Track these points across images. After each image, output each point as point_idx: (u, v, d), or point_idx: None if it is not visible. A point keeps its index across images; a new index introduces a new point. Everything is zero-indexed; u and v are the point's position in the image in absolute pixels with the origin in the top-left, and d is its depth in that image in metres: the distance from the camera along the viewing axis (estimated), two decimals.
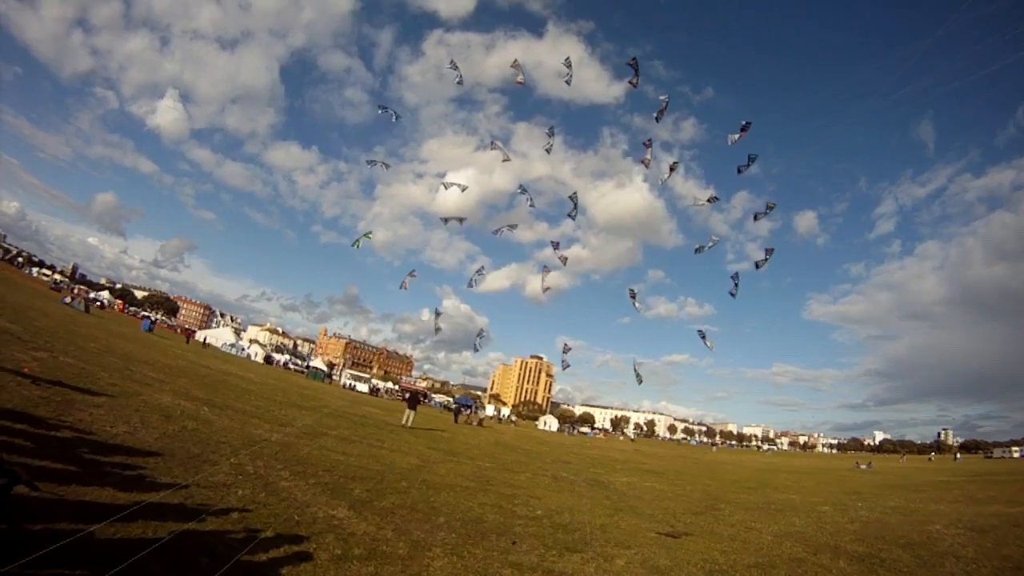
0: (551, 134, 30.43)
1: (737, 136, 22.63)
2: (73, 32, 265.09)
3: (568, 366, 28.34)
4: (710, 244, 27.10)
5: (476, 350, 30.59)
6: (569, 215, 28.42)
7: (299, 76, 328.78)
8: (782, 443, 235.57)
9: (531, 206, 33.04)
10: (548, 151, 31.19)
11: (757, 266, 24.67)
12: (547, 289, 28.24)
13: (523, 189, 31.12)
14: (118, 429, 11.05)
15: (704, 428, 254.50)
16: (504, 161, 30.79)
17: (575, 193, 28.22)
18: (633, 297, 28.10)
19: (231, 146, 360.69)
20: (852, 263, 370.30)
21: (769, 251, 23.94)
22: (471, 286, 28.90)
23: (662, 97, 24.82)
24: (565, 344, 30.17)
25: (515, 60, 29.73)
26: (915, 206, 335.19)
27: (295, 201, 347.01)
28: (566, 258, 28.56)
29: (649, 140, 27.28)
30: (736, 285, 23.48)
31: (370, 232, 28.19)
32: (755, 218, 25.39)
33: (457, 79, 28.45)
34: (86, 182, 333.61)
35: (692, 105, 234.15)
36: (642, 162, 26.80)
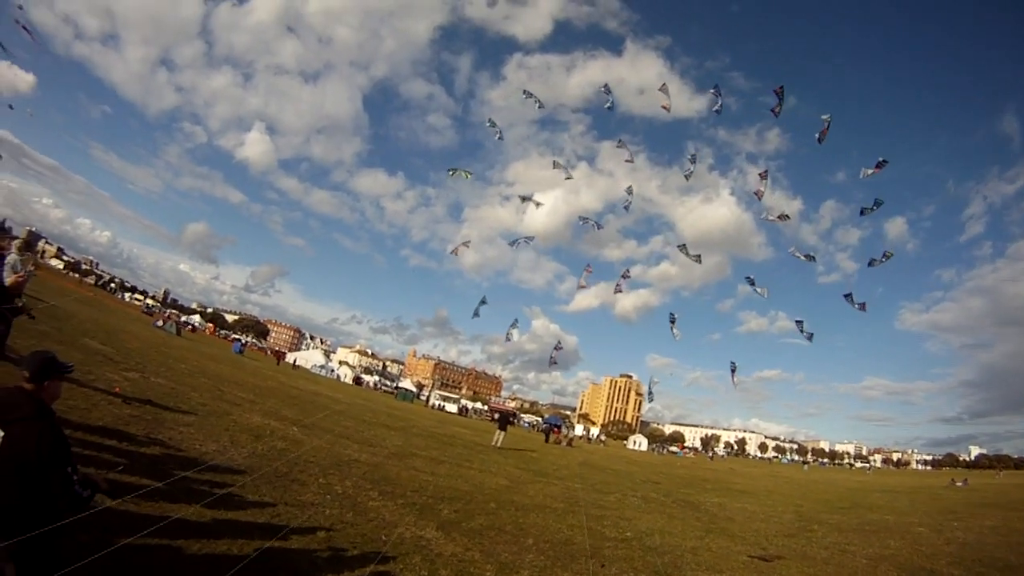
0: (622, 145, 31.18)
1: (871, 171, 22.83)
2: (157, 71, 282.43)
3: (652, 399, 28.35)
4: (800, 257, 27.04)
5: (553, 363, 30.71)
6: (624, 207, 29.50)
7: (382, 105, 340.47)
8: (875, 460, 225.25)
9: (597, 228, 33.20)
10: (630, 161, 31.92)
11: (863, 212, 24.84)
12: (677, 338, 28.47)
13: (591, 222, 31.83)
14: (207, 447, 11.40)
15: (795, 446, 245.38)
16: (567, 179, 31.50)
17: (630, 187, 28.77)
18: (672, 323, 28.04)
19: (318, 174, 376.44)
20: (943, 269, 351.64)
21: (881, 162, 23.28)
22: (508, 340, 29.43)
23: (824, 117, 24.65)
24: (652, 380, 30.07)
25: (605, 85, 30.45)
26: (1005, 204, 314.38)
27: (383, 226, 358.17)
28: (620, 288, 29.02)
29: (765, 171, 27.28)
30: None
31: (470, 172, 28.92)
32: (862, 212, 24.90)
33: (537, 105, 29.18)
34: (176, 212, 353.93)
35: (774, 116, 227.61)
36: (756, 194, 26.89)
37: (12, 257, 12.65)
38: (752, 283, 27.19)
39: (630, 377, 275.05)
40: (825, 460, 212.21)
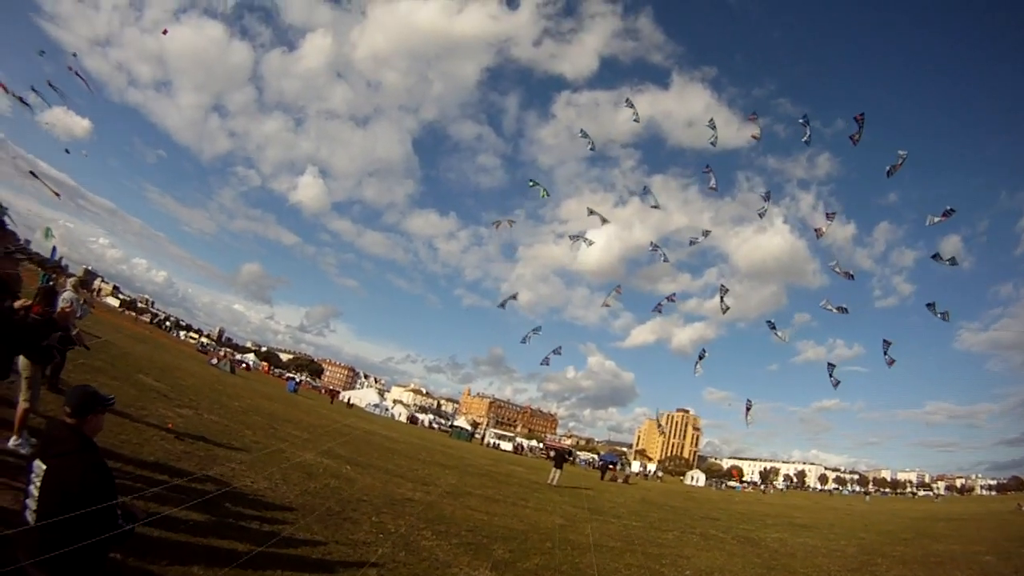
0: (647, 191, 32.18)
1: (938, 219, 23.79)
2: (210, 117, 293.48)
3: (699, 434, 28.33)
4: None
5: (546, 363, 30.74)
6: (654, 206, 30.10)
7: (432, 147, 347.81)
8: (938, 487, 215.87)
9: (664, 260, 33.50)
10: (656, 207, 32.75)
11: (888, 174, 25.28)
12: (699, 373, 28.74)
13: (655, 245, 32.21)
14: (259, 484, 11.42)
15: (856, 476, 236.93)
16: (603, 223, 31.91)
17: (707, 231, 28.85)
18: (773, 328, 27.91)
19: (370, 216, 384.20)
20: (1000, 284, 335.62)
21: (948, 211, 23.83)
22: (545, 364, 29.72)
23: (901, 152, 24.84)
24: (748, 402, 29.75)
25: (581, 129, 31.26)
26: None
27: (436, 266, 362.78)
28: (660, 306, 29.37)
29: (832, 212, 27.89)
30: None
31: (546, 191, 29.47)
32: (928, 223, 24.94)
33: (589, 146, 29.79)
34: (230, 253, 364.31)
35: (825, 139, 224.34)
36: (816, 232, 27.28)
37: (68, 293, 13.03)
38: (773, 327, 27.43)
39: (687, 412, 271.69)
40: (887, 490, 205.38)
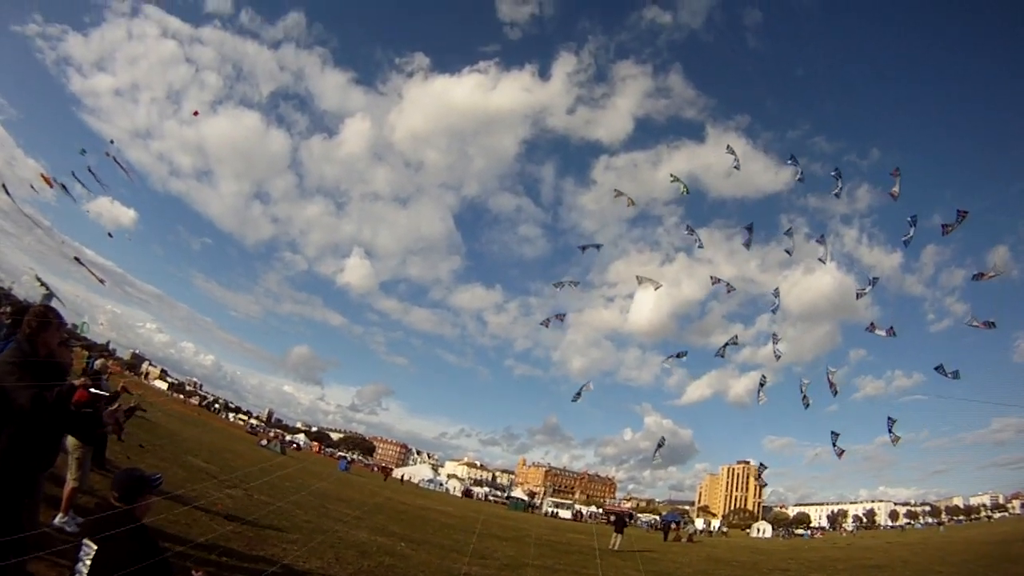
0: (690, 231, 33.00)
1: (952, 226, 24.61)
2: (252, 204, 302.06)
3: (764, 484, 28.68)
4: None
5: (656, 460, 30.79)
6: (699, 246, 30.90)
7: (472, 221, 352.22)
8: (1014, 506, 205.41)
9: (729, 290, 33.66)
10: (700, 246, 33.57)
11: (944, 232, 25.33)
12: (763, 400, 29.45)
13: (716, 279, 32.63)
14: (311, 564, 11.39)
15: (928, 508, 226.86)
16: (656, 288, 32.55)
17: (777, 289, 29.37)
18: (762, 385, 28.65)
19: (416, 294, 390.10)
20: None
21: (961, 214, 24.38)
22: (575, 400, 29.92)
23: (961, 211, 25.00)
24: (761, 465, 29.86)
25: (671, 175, 32.44)
26: None
27: (485, 339, 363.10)
28: (724, 350, 29.61)
29: (874, 278, 28.70)
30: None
31: (686, 188, 30.37)
32: (943, 231, 25.45)
33: (628, 203, 30.49)
34: (277, 336, 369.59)
35: (863, 171, 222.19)
36: (858, 295, 27.94)
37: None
38: (833, 387, 27.70)
39: (747, 463, 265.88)
40: (961, 517, 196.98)
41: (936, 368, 25.39)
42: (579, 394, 28.52)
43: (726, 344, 30.51)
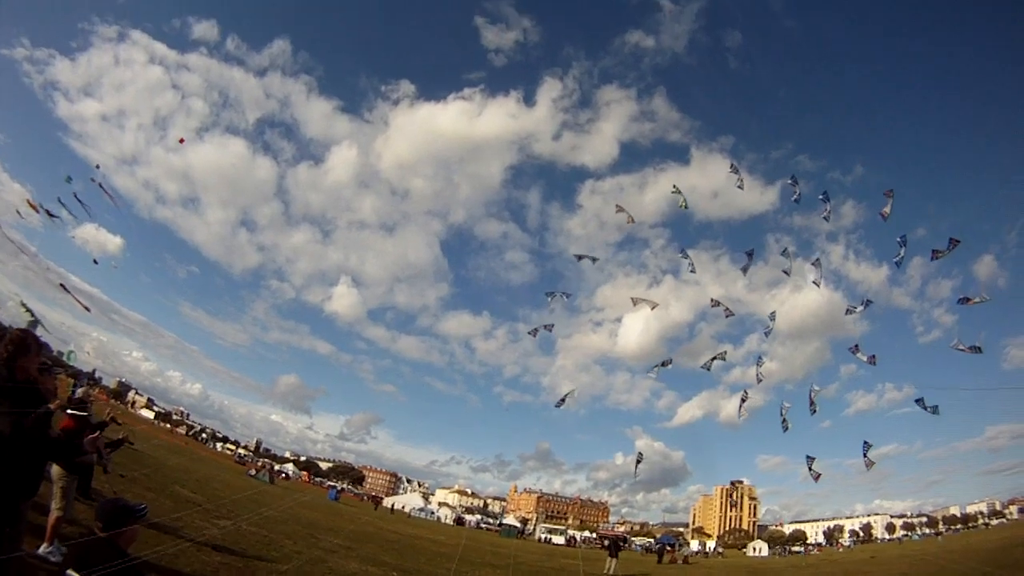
0: (684, 255, 34.27)
1: (943, 252, 25.83)
2: (239, 232, 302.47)
3: (820, 475, 29.18)
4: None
5: (636, 477, 31.74)
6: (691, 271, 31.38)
7: (459, 248, 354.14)
8: (1011, 512, 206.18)
9: (728, 315, 34.08)
10: (692, 269, 34.79)
11: (934, 256, 27.08)
12: (744, 416, 30.31)
13: (716, 302, 32.76)
14: None
15: (925, 519, 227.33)
16: (653, 308, 33.26)
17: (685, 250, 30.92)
18: (743, 401, 29.78)
19: (404, 321, 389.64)
20: None
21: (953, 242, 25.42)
22: (559, 406, 30.73)
23: (953, 239, 26.03)
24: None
25: (674, 186, 33.28)
26: None
27: (474, 366, 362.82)
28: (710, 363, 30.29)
29: (868, 300, 30.06)
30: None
31: (573, 390, 30.73)
32: (933, 256, 27.18)
33: (628, 220, 31.21)
34: (264, 365, 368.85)
35: (847, 188, 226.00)
36: (848, 311, 29.52)
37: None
38: (813, 405, 28.78)
39: (741, 483, 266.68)
40: (958, 526, 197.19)
41: (917, 401, 26.20)
42: (563, 400, 29.05)
43: (713, 358, 31.09)
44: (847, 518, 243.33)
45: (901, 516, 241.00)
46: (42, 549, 8.65)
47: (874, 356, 29.72)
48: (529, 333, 30.57)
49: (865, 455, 28.81)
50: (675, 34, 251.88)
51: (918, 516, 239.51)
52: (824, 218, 31.82)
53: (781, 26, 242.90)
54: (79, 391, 16.61)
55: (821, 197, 31.84)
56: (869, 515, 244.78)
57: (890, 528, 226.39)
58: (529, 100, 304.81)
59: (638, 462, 33.40)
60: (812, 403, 29.60)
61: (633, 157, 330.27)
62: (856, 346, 30.15)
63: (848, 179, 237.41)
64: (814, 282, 31.56)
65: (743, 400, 30.27)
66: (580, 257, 34.75)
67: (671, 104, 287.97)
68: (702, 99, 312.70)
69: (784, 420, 29.71)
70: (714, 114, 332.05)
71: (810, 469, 27.57)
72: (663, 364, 32.25)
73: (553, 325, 32.40)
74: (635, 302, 31.82)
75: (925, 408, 26.63)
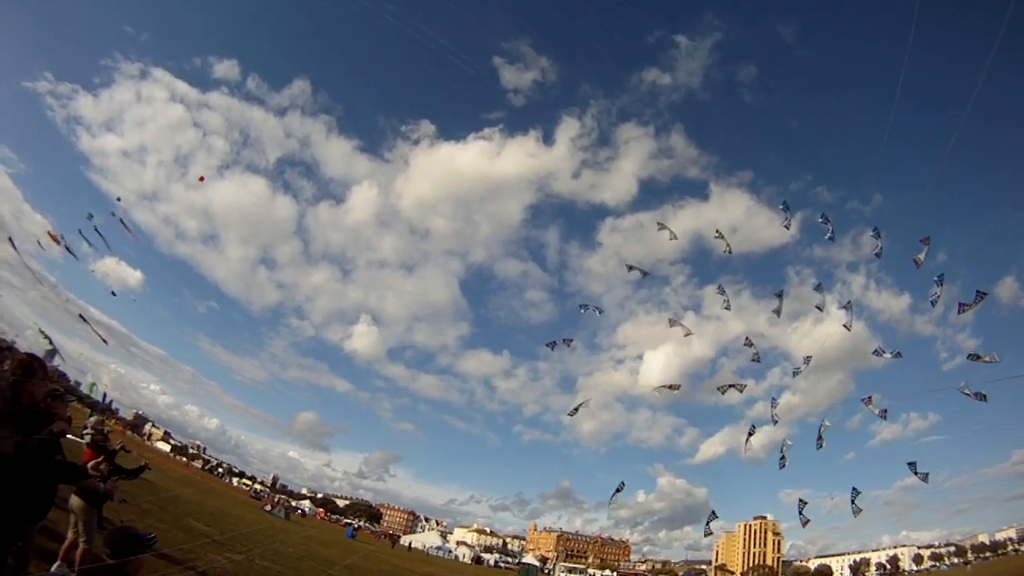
0: (721, 291, 34.77)
1: (969, 307, 26.83)
2: (258, 269, 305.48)
3: (808, 521, 29.42)
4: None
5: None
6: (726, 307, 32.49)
7: (478, 288, 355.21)
8: None
9: (756, 360, 34.33)
10: (727, 308, 35.22)
11: (961, 310, 27.87)
12: (748, 450, 31.17)
13: (749, 342, 33.59)
14: None
15: (952, 548, 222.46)
16: (686, 335, 33.95)
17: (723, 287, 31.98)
18: (750, 435, 30.20)
19: (423, 360, 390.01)
20: None
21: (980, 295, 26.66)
22: (573, 414, 31.65)
23: (980, 292, 27.11)
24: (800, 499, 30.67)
25: (716, 230, 34.29)
26: None
27: (493, 404, 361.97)
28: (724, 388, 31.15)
29: (898, 352, 30.83)
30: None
31: (588, 400, 31.05)
32: (960, 310, 27.80)
33: (642, 274, 32.29)
34: (282, 401, 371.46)
35: (865, 217, 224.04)
36: (876, 352, 30.47)
37: (87, 438, 13.44)
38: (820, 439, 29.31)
39: (764, 518, 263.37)
40: (988, 554, 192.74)
41: (909, 464, 28.39)
42: (576, 410, 29.76)
43: (731, 385, 31.40)
44: (873, 551, 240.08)
45: (929, 546, 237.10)
46: (54, 568, 8.92)
47: (886, 410, 30.21)
48: (547, 345, 31.63)
49: (853, 502, 28.85)
50: (690, 70, 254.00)
51: (946, 546, 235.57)
52: (829, 239, 32.31)
53: (794, 57, 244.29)
54: (91, 420, 16.69)
55: (821, 219, 32.46)
56: (896, 547, 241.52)
57: (917, 559, 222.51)
58: (548, 139, 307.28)
59: (618, 490, 33.78)
60: (820, 438, 29.82)
61: (652, 194, 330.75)
62: (869, 397, 30.39)
63: (867, 208, 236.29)
64: (844, 326, 31.77)
65: (749, 434, 30.64)
66: (584, 308, 36.26)
67: (689, 140, 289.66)
68: (719, 134, 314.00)
69: (783, 458, 29.97)
70: (731, 149, 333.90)
71: (853, 503, 27.55)
72: (670, 387, 32.83)
73: (572, 340, 33.16)
74: (671, 323, 32.34)
75: (915, 472, 28.59)
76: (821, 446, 29.54)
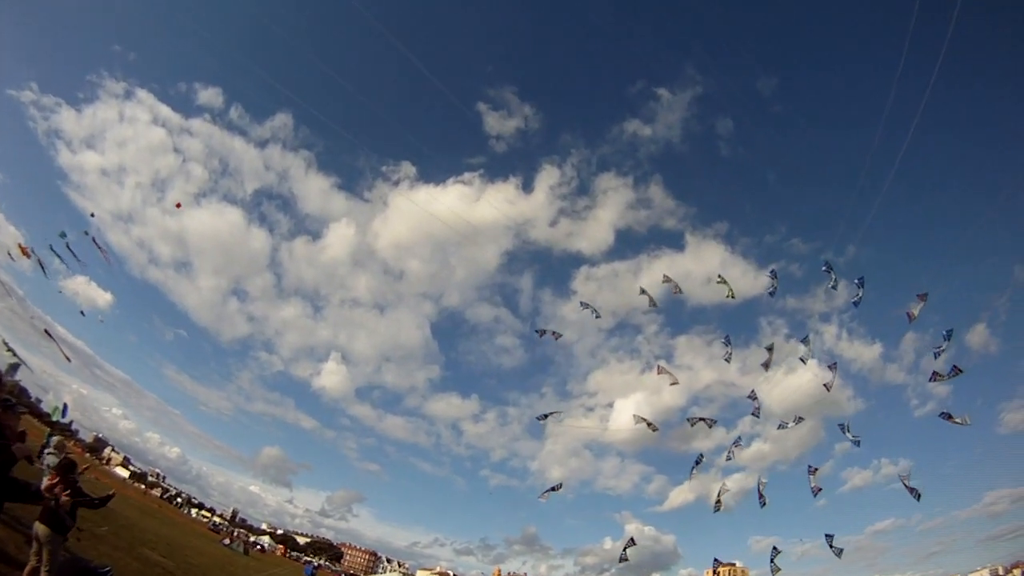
0: (727, 343, 36.14)
1: (945, 377, 27.97)
2: (229, 300, 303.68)
3: (779, 570, 30.04)
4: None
5: (623, 559, 32.35)
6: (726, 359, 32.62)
7: (450, 331, 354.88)
8: None
9: (755, 415, 34.74)
10: (728, 360, 36.47)
11: (934, 378, 28.98)
12: (719, 504, 31.99)
13: (754, 395, 33.84)
14: None
15: None
16: (672, 384, 34.97)
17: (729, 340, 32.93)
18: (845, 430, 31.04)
19: (391, 401, 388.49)
20: None
21: (956, 369, 28.15)
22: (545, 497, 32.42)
23: (956, 367, 28.74)
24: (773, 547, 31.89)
25: (719, 276, 35.46)
26: None
27: (460, 448, 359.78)
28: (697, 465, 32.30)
29: (857, 439, 32.62)
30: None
31: (559, 485, 31.69)
32: (936, 354, 29.52)
33: (595, 315, 33.29)
34: (247, 435, 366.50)
35: (840, 269, 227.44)
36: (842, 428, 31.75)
37: (51, 458, 12.99)
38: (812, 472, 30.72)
39: (733, 565, 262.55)
40: None
41: (908, 487, 29.23)
42: (546, 416, 30.84)
43: (701, 419, 32.14)
44: None
45: None
46: None
47: (859, 439, 31.74)
48: (536, 332, 32.68)
49: (831, 546, 29.36)
50: (670, 123, 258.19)
51: None
52: (832, 287, 33.69)
53: (769, 112, 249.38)
54: (53, 440, 16.20)
55: (824, 268, 33.91)
56: None
57: None
58: (527, 186, 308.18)
59: (626, 548, 33.80)
60: (761, 496, 30.75)
61: (628, 244, 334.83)
62: (846, 424, 31.77)
63: (841, 260, 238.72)
64: (825, 386, 32.76)
65: (720, 494, 31.42)
66: (542, 332, 36.74)
67: (667, 191, 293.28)
68: (696, 186, 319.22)
69: (761, 496, 30.57)
70: (708, 200, 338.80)
71: (831, 546, 28.12)
72: (649, 425, 33.70)
73: (561, 335, 33.99)
74: (659, 371, 33.23)
75: (910, 490, 29.64)
76: (819, 491, 30.24)
